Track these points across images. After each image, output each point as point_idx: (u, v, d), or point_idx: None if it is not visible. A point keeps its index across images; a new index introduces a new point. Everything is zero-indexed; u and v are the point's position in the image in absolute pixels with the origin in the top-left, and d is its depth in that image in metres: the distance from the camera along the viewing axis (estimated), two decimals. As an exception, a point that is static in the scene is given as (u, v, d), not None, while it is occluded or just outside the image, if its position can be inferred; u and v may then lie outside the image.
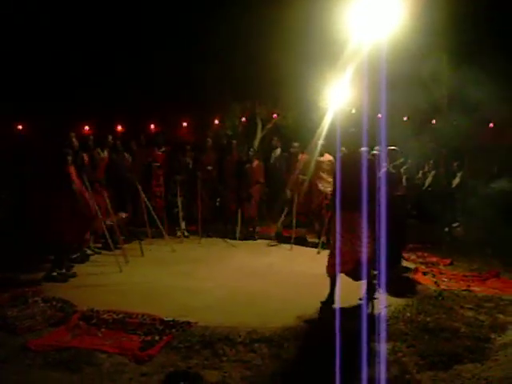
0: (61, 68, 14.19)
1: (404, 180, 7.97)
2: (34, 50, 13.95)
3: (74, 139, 7.84)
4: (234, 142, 12.04)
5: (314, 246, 10.03)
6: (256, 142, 16.74)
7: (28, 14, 13.50)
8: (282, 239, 10.65)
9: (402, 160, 8.20)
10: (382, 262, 6.10)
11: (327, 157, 10.22)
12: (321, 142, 10.18)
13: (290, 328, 5.38)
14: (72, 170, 7.53)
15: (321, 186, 10.08)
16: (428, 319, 5.83)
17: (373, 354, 4.83)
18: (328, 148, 10.20)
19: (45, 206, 7.55)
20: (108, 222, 8.52)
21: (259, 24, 13.27)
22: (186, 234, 11.08)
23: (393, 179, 7.52)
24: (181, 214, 10.86)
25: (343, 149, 10.00)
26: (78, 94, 14.31)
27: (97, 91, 14.64)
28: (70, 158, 7.49)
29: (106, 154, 9.62)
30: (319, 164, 10.19)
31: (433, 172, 12.96)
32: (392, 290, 6.94)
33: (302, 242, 10.44)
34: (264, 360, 4.70)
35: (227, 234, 11.13)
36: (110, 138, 9.86)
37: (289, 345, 5.00)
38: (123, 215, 9.24)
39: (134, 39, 14.43)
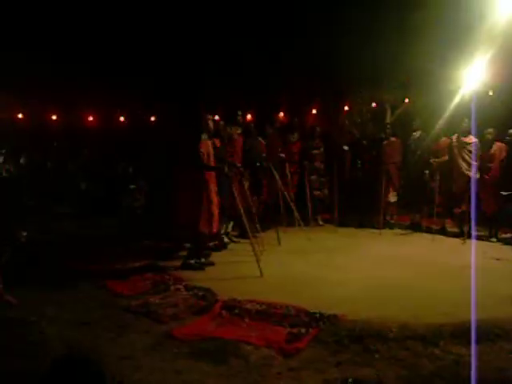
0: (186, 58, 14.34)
1: None
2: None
3: (209, 121, 7.59)
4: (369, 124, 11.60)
5: (457, 235, 9.47)
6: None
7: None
8: (418, 229, 10.12)
9: None
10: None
11: (472, 138, 9.45)
12: (466, 120, 9.42)
13: (444, 325, 4.93)
14: (205, 149, 7.40)
15: (464, 169, 9.34)
16: None
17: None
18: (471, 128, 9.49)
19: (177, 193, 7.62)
20: (252, 209, 8.42)
21: (390, 11, 12.76)
22: (320, 222, 10.84)
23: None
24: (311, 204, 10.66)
25: (491, 130, 9.35)
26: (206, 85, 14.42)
27: (225, 80, 14.69)
28: (204, 136, 7.39)
29: (239, 130, 9.43)
30: (463, 145, 9.44)
31: None
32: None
33: (443, 232, 9.84)
34: (419, 359, 4.31)
35: (364, 222, 10.76)
36: (240, 115, 9.59)
37: (445, 343, 4.60)
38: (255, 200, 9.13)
39: (262, 27, 14.34)
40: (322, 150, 11.04)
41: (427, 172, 9.87)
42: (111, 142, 15.95)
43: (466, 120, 9.40)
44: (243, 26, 13.92)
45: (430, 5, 11.15)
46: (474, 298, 5.38)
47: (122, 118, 17.06)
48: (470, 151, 9.34)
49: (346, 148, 10.89)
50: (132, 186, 11.98)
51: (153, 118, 17.09)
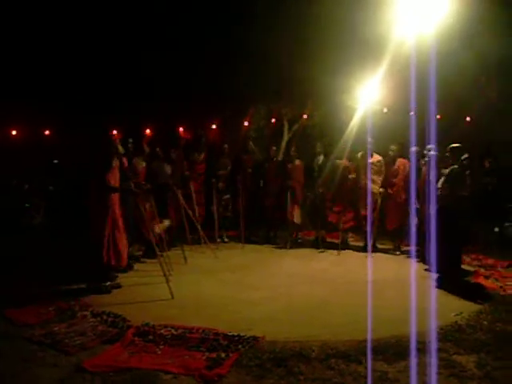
0: (82, 72, 13.84)
1: (469, 179, 7.44)
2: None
3: (119, 146, 7.26)
4: (274, 148, 11.52)
5: (360, 249, 9.66)
6: (283, 144, 16.32)
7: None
8: (323, 244, 10.21)
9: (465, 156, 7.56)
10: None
11: (376, 157, 9.71)
12: (370, 141, 9.66)
13: (364, 341, 4.90)
14: (113, 175, 7.07)
15: (373, 188, 9.55)
16: (509, 328, 5.36)
17: (458, 368, 4.37)
18: (376, 147, 9.75)
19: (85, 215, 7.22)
20: (156, 231, 8.11)
21: (287, 22, 12.88)
22: (225, 239, 10.70)
23: (458, 178, 7.13)
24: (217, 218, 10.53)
25: (393, 147, 9.59)
26: (103, 99, 13.93)
27: (122, 94, 14.25)
28: (115, 162, 7.07)
29: (144, 164, 9.12)
30: (370, 165, 9.66)
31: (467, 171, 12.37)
32: (458, 295, 6.58)
33: (345, 246, 9.99)
34: (344, 377, 4.23)
35: (270, 240, 10.74)
36: (130, 142, 9.13)
37: (367, 360, 4.54)
38: (166, 223, 8.84)
39: (159, 40, 14.06)
40: (228, 169, 10.89)
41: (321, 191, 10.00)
42: (3, 156, 14.96)
43: (370, 140, 9.62)
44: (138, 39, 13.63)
45: (330, 24, 11.37)
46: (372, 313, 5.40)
47: (13, 132, 16.02)
48: (376, 171, 9.61)
49: (249, 171, 10.82)
50: (27, 205, 11.35)
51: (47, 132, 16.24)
